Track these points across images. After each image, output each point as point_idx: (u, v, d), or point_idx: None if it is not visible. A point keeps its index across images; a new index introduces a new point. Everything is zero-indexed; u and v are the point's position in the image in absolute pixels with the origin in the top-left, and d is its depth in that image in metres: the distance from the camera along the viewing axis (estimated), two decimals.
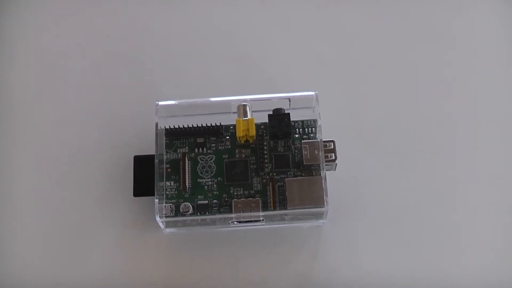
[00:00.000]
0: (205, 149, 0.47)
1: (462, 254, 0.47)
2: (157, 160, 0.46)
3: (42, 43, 0.53)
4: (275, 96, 0.47)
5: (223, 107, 0.47)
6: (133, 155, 0.47)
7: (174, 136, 0.47)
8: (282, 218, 0.46)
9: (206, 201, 0.46)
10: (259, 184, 0.46)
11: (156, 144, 0.46)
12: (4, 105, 0.51)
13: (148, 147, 0.47)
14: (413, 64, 0.52)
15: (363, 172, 0.48)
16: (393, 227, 0.47)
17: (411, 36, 0.53)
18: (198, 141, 0.47)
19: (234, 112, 0.47)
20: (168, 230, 0.47)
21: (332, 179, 0.46)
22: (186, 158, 0.47)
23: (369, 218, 0.47)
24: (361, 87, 0.51)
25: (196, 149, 0.47)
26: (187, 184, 0.46)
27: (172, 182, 0.46)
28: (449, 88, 0.51)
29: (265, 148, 0.47)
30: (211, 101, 0.47)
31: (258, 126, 0.47)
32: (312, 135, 0.47)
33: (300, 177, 0.46)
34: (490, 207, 0.48)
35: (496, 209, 0.48)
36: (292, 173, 0.46)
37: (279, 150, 0.47)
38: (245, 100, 0.47)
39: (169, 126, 0.47)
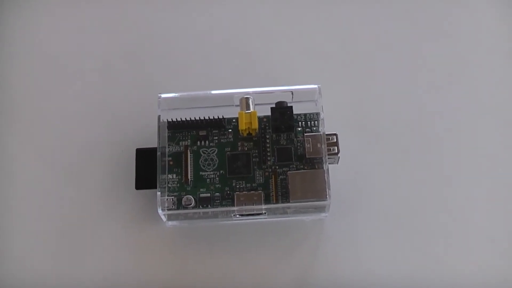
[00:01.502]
0: (207, 142, 0.47)
1: (465, 249, 0.47)
2: (159, 153, 0.46)
3: (44, 38, 0.53)
4: (278, 89, 0.47)
5: (226, 100, 0.47)
6: (135, 148, 0.47)
7: (177, 129, 0.47)
8: (284, 211, 0.46)
9: (208, 194, 0.45)
10: (261, 177, 0.46)
11: (158, 136, 0.46)
12: (7, 99, 0.51)
13: (150, 140, 0.47)
14: (416, 58, 0.52)
15: (366, 165, 0.48)
16: (395, 220, 0.47)
17: (414, 30, 0.53)
18: (200, 134, 0.47)
19: (236, 105, 0.47)
20: (170, 223, 0.47)
21: (334, 172, 0.46)
22: (188, 151, 0.47)
23: (371, 211, 0.47)
24: (364, 80, 0.51)
25: (199, 142, 0.47)
26: (189, 177, 0.46)
27: (174, 175, 0.46)
28: (453, 83, 0.51)
29: (268, 141, 0.47)
30: (214, 94, 0.47)
31: (260, 119, 0.47)
32: (314, 128, 0.47)
33: (302, 170, 0.45)
34: (493, 204, 0.48)
35: (498, 207, 0.48)
36: (294, 166, 0.46)
37: (281, 143, 0.47)
38: (247, 93, 0.47)
39: (172, 119, 0.47)
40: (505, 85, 0.51)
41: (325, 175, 0.45)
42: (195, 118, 0.47)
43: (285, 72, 0.51)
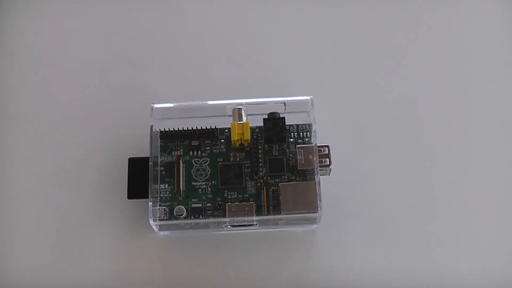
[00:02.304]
0: (199, 152, 0.47)
1: (458, 259, 0.47)
2: (152, 163, 0.46)
3: (38, 45, 0.53)
4: (271, 100, 0.47)
5: (218, 110, 0.47)
6: (128, 157, 0.47)
7: (169, 139, 0.47)
8: (275, 223, 0.46)
9: (200, 205, 0.45)
10: (253, 188, 0.46)
11: (151, 146, 0.46)
12: (2, 103, 0.51)
13: (143, 150, 0.47)
14: (409, 69, 0.52)
15: (358, 177, 0.48)
16: (387, 232, 0.47)
17: (408, 39, 0.53)
18: (192, 144, 0.47)
19: (229, 116, 0.47)
20: (161, 233, 0.47)
21: (326, 184, 0.46)
22: (181, 161, 0.47)
23: (363, 223, 0.47)
24: (357, 92, 0.51)
25: (191, 152, 0.47)
26: (181, 187, 0.46)
27: (166, 185, 0.46)
28: (447, 92, 0.51)
29: (260, 152, 0.47)
30: (207, 104, 0.47)
31: (253, 129, 0.47)
32: (306, 140, 0.47)
33: (294, 182, 0.45)
34: (487, 210, 0.48)
35: (492, 213, 0.48)
36: (286, 177, 0.46)
37: (273, 154, 0.47)
38: (240, 104, 0.47)
39: (164, 129, 0.47)
40: (505, 91, 0.51)
41: (317, 187, 0.45)
42: (187, 128, 0.47)
43: (278, 82, 0.51)
